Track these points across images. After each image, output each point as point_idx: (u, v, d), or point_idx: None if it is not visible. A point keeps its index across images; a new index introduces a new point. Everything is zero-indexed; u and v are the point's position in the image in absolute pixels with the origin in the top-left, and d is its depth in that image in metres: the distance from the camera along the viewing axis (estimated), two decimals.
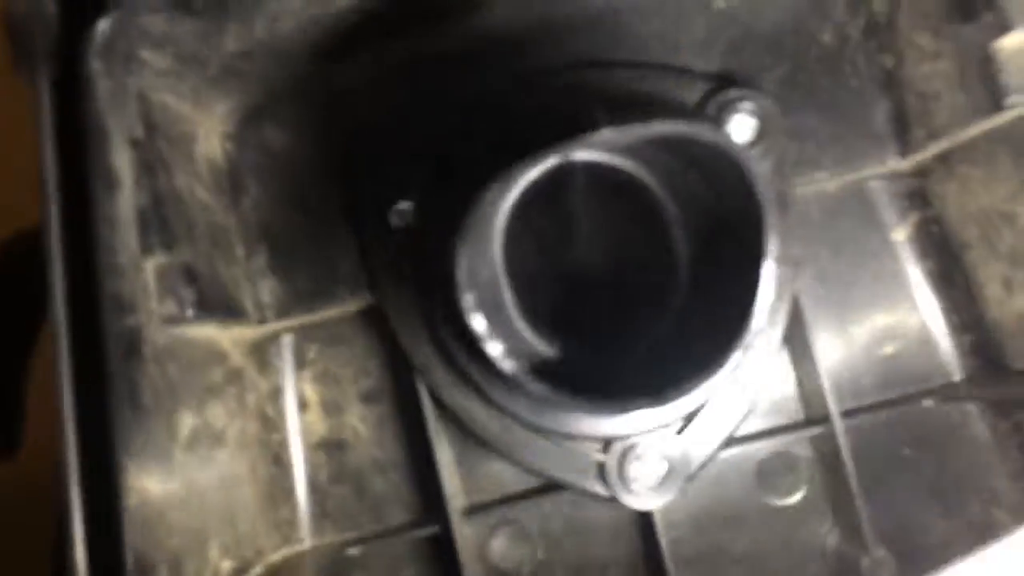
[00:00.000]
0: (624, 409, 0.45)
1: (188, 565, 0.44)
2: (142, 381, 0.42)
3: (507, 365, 0.44)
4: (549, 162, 0.43)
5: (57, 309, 0.40)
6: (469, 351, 0.53)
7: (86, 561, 0.40)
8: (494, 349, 0.45)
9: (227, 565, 0.49)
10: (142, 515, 0.40)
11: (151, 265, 0.44)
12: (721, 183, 0.48)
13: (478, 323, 0.44)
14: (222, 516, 0.49)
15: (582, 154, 0.52)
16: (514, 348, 0.47)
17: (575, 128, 0.44)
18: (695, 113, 0.52)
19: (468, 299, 0.44)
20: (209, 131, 0.56)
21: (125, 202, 0.42)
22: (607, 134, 0.41)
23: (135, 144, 0.44)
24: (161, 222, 0.44)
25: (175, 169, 0.48)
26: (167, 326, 0.45)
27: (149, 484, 0.41)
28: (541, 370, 0.48)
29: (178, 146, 0.50)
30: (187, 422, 0.46)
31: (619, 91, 0.52)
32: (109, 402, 0.39)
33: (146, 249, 0.43)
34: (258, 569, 0.54)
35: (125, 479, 0.39)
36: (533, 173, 0.48)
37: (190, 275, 0.46)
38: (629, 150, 0.52)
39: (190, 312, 0.45)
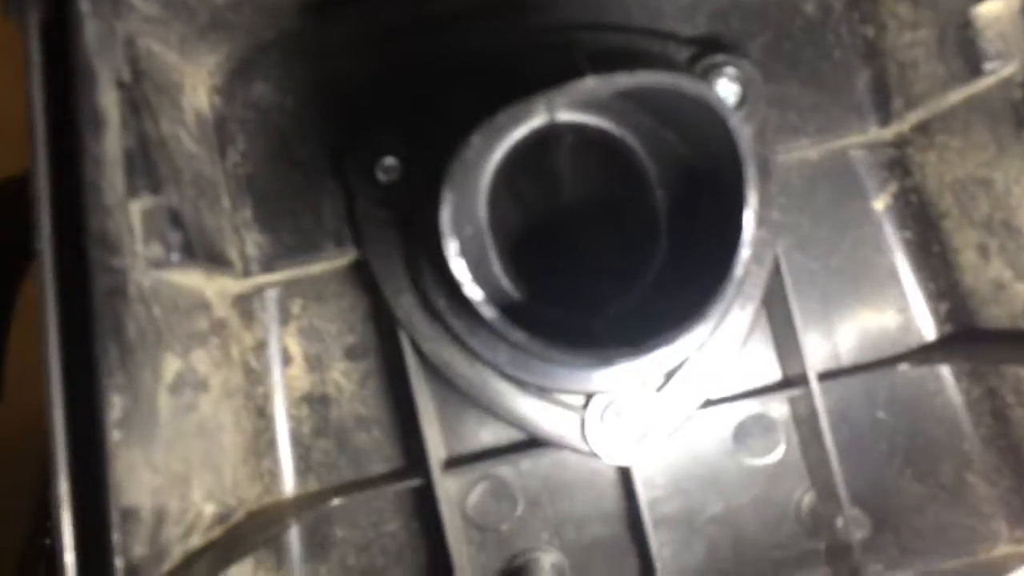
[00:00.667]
0: (605, 359, 0.46)
1: (171, 506, 0.45)
2: (127, 319, 0.42)
3: (488, 311, 0.45)
4: (535, 110, 0.44)
5: (44, 248, 0.40)
6: (452, 302, 0.53)
7: (70, 496, 0.40)
8: (475, 294, 0.45)
9: (210, 509, 0.50)
10: (126, 453, 0.40)
11: (137, 207, 0.44)
12: (703, 139, 0.49)
13: (460, 268, 0.44)
14: (205, 462, 0.50)
15: (566, 115, 0.53)
16: (496, 301, 0.48)
17: (560, 80, 0.45)
18: (680, 68, 0.52)
19: (452, 246, 0.44)
20: (197, 83, 0.56)
21: (112, 142, 0.43)
22: (591, 83, 0.41)
23: (122, 86, 0.44)
24: (148, 164, 0.45)
25: (161, 115, 0.48)
26: (152, 269, 0.45)
27: (134, 422, 0.41)
28: (522, 323, 0.48)
29: (165, 93, 0.50)
30: (172, 366, 0.47)
31: (605, 49, 0.53)
32: (94, 339, 0.39)
33: (132, 190, 0.44)
34: (240, 515, 0.54)
35: (110, 415, 0.39)
36: (520, 128, 0.49)
37: (176, 219, 0.46)
38: (611, 111, 0.53)
39: (175, 256, 0.46)
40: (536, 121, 0.50)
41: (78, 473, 0.41)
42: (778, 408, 0.61)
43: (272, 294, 0.60)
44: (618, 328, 0.53)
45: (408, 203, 0.55)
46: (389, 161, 0.55)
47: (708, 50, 0.56)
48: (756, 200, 0.45)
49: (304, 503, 0.58)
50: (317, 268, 0.59)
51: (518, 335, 0.46)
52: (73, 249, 0.42)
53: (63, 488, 0.40)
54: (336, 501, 0.57)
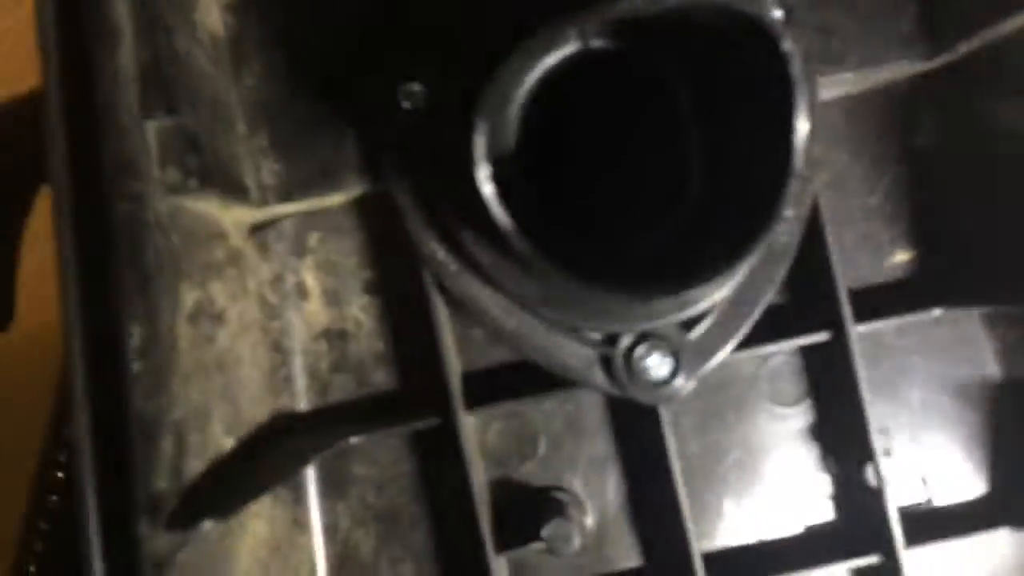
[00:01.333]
0: (642, 294, 0.44)
1: (192, 438, 0.43)
2: (146, 246, 0.40)
3: (519, 241, 0.43)
4: (570, 34, 0.41)
5: (58, 171, 0.38)
6: (479, 234, 0.51)
7: (90, 428, 0.39)
8: (507, 223, 0.43)
9: (229, 443, 0.49)
10: (146, 381, 0.39)
11: (153, 128, 0.42)
12: (747, 65, 0.46)
13: (492, 196, 0.42)
14: (223, 394, 0.48)
15: (599, 42, 0.50)
16: (527, 232, 0.46)
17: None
18: None
19: (483, 171, 0.42)
20: (210, 1, 0.53)
21: (126, 56, 0.40)
22: (639, 2, 0.38)
23: None
24: (163, 82, 0.42)
25: (175, 32, 0.45)
26: (170, 195, 0.43)
27: (153, 351, 0.39)
28: (554, 255, 0.46)
29: (177, 8, 0.47)
30: (190, 295, 0.45)
31: None
32: (112, 266, 0.37)
33: (148, 110, 0.41)
34: (258, 450, 0.53)
35: (129, 344, 0.38)
36: (554, 53, 0.46)
37: (194, 142, 0.44)
38: (648, 36, 0.50)
39: (193, 181, 0.43)
40: (571, 46, 0.48)
41: (98, 404, 0.39)
42: (810, 352, 0.59)
43: (289, 225, 0.58)
44: (653, 262, 0.51)
45: (434, 131, 0.52)
46: (414, 87, 0.53)
47: None
48: (807, 126, 0.43)
49: (322, 440, 0.56)
50: (336, 199, 0.57)
51: (550, 267, 0.43)
52: (87, 173, 0.40)
53: (83, 420, 0.38)
54: (355, 439, 0.55)
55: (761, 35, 0.42)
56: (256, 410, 0.54)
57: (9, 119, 0.51)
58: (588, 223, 0.54)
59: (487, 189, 0.42)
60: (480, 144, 0.41)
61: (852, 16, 0.57)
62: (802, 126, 0.43)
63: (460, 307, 0.55)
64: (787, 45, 0.42)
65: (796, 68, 0.42)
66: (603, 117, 0.55)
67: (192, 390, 0.44)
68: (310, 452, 0.55)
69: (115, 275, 0.38)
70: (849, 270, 0.59)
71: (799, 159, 0.43)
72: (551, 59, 0.49)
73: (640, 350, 0.53)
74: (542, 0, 0.48)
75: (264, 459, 0.51)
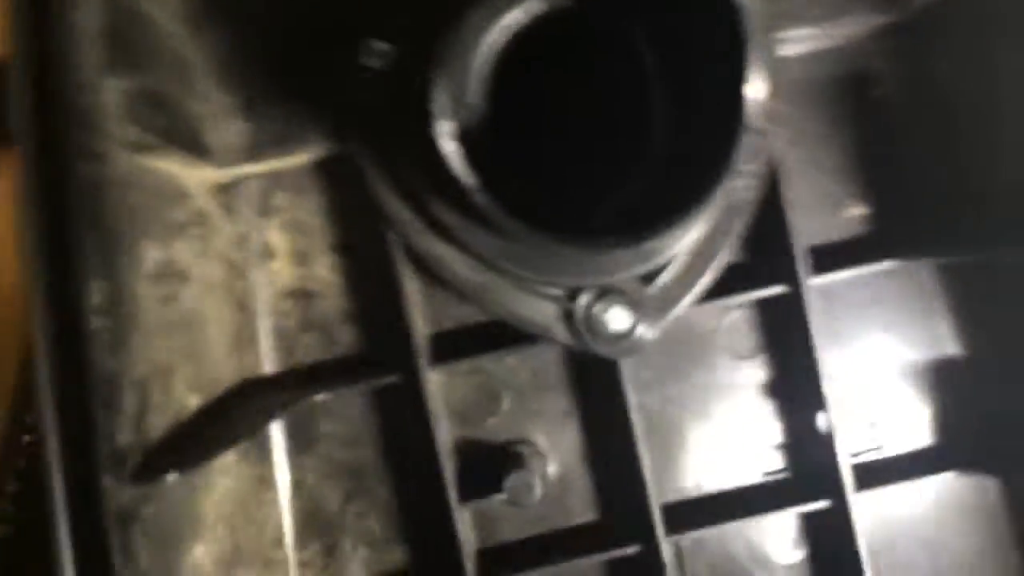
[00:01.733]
0: (600, 246, 0.45)
1: (154, 396, 0.44)
2: (105, 205, 0.40)
3: (481, 198, 0.43)
4: None
5: (22, 130, 0.38)
6: (443, 193, 0.52)
7: (52, 384, 0.39)
8: (468, 179, 0.44)
9: (194, 401, 0.49)
10: (106, 338, 0.39)
11: (114, 86, 0.42)
12: (704, 17, 0.47)
13: (451, 152, 0.43)
14: (187, 353, 0.49)
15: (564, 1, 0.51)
16: (489, 190, 0.46)
17: None
18: None
19: (444, 127, 0.42)
20: None
21: (88, 14, 0.40)
22: None
23: None
24: (125, 42, 0.42)
25: None
26: (130, 152, 0.43)
27: (114, 309, 0.40)
28: (516, 212, 0.47)
29: None
30: (152, 255, 0.45)
31: None
32: (72, 224, 0.38)
33: (110, 68, 0.41)
34: (223, 407, 0.54)
35: (89, 301, 0.38)
36: (517, 10, 0.46)
37: (155, 101, 0.44)
38: None
39: (154, 140, 0.44)
40: (536, 4, 0.48)
41: (61, 363, 0.40)
42: (766, 305, 0.61)
43: (254, 186, 0.58)
44: (616, 218, 0.52)
45: (399, 91, 0.52)
46: (379, 46, 0.53)
47: None
48: (758, 83, 0.44)
49: (288, 397, 0.57)
50: (302, 159, 0.57)
51: (508, 219, 0.44)
52: (50, 132, 0.40)
53: (45, 377, 0.38)
54: (321, 396, 0.56)
55: None
56: (222, 369, 0.54)
57: None
58: (553, 181, 0.54)
59: (447, 145, 0.42)
60: (440, 100, 0.42)
61: None
62: (752, 78, 0.44)
63: (425, 266, 0.56)
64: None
65: (746, 21, 0.42)
66: (569, 76, 0.55)
67: (154, 348, 0.45)
68: (276, 409, 0.55)
69: (75, 233, 0.38)
70: (806, 225, 0.60)
71: (749, 110, 0.44)
72: (515, 17, 0.49)
73: (600, 304, 0.54)
74: None
75: (230, 416, 0.52)
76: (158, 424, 0.45)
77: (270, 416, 0.55)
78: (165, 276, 0.47)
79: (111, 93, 0.42)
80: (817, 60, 0.60)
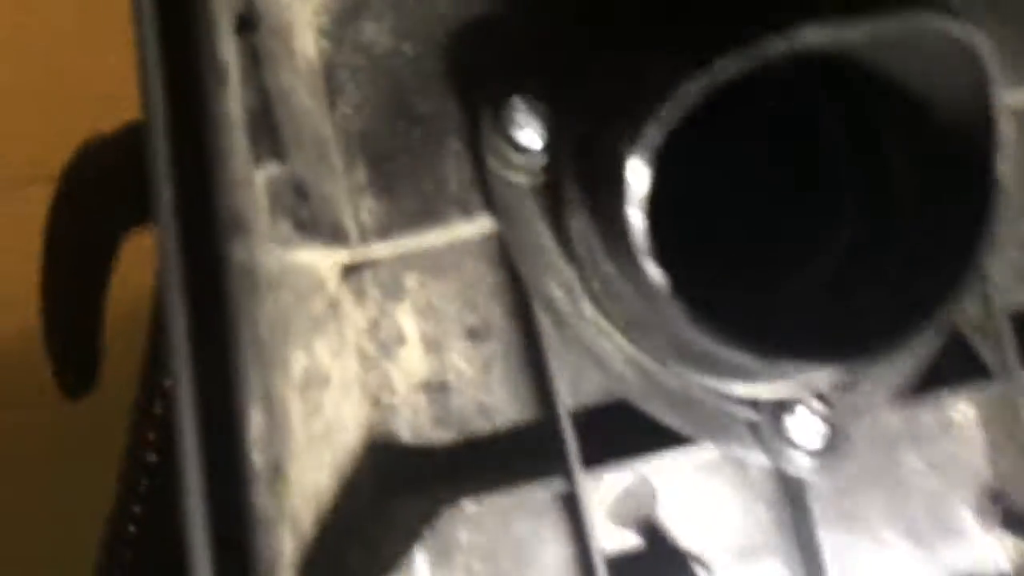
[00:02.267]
0: (814, 364, 0.38)
1: (306, 525, 0.38)
2: (260, 316, 0.35)
3: (680, 312, 0.37)
4: (747, 62, 0.35)
5: (166, 224, 0.33)
6: (610, 284, 0.46)
7: (205, 517, 0.33)
8: (661, 284, 0.38)
9: (336, 524, 0.43)
10: (267, 475, 0.33)
11: (262, 177, 0.36)
12: (927, 90, 0.40)
13: (652, 269, 0.37)
14: (332, 470, 0.43)
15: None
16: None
17: (764, 20, 0.36)
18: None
19: (641, 237, 0.36)
20: (303, 25, 0.48)
21: (233, 99, 0.35)
22: (824, 30, 0.33)
23: (242, 30, 0.36)
24: (271, 126, 0.37)
25: (280, 66, 0.40)
26: (281, 249, 0.38)
27: (272, 437, 0.34)
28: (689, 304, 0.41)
29: (280, 39, 0.42)
30: (299, 362, 0.40)
31: None
32: (229, 341, 0.32)
33: (258, 158, 0.36)
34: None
35: (249, 433, 0.32)
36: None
37: (302, 190, 0.39)
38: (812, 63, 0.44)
39: (303, 234, 0.38)
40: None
41: (212, 489, 0.34)
42: (964, 408, 0.53)
43: (385, 267, 0.53)
44: (798, 309, 0.46)
45: (554, 167, 0.47)
46: (530, 116, 0.47)
47: None
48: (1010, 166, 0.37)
49: (428, 507, 0.51)
50: (438, 238, 0.52)
51: (710, 337, 0.38)
52: (194, 229, 0.34)
53: (197, 521, 0.33)
54: (468, 506, 0.50)
55: (958, 63, 0.36)
56: (358, 476, 0.49)
57: (96, 161, 0.45)
58: (725, 261, 0.48)
59: (646, 263, 0.36)
60: (638, 199, 0.36)
61: (1009, 27, 0.51)
62: (1002, 169, 0.37)
63: (581, 358, 0.50)
64: (994, 72, 0.36)
65: (999, 106, 0.36)
66: (739, 149, 0.49)
67: (304, 472, 0.39)
68: (419, 524, 0.49)
69: (231, 350, 0.33)
70: (1003, 303, 0.53)
71: (996, 208, 0.37)
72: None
73: (789, 413, 0.47)
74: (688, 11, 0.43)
75: (373, 538, 0.46)
76: (313, 557, 0.39)
77: (415, 535, 0.49)
78: (312, 383, 0.41)
79: (259, 186, 0.36)
80: (1020, 122, 0.53)
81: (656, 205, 0.46)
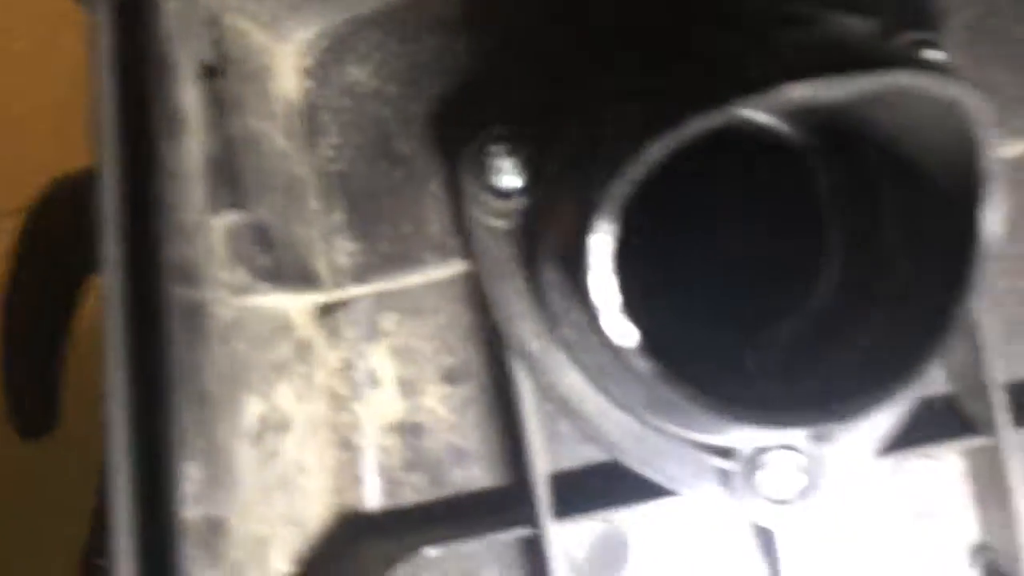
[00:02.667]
0: (792, 423, 0.38)
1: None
2: (206, 366, 0.34)
3: (646, 368, 0.36)
4: (714, 121, 0.34)
5: (111, 275, 0.33)
6: (583, 334, 0.45)
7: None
8: (630, 342, 0.37)
9: (289, 570, 0.43)
10: (201, 529, 0.33)
11: (221, 225, 0.36)
12: (916, 146, 0.39)
13: (611, 311, 0.36)
14: (287, 517, 0.42)
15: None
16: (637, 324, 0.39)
17: (744, 74, 0.35)
18: (900, 57, 0.42)
19: (608, 284, 0.36)
20: (286, 65, 0.48)
21: (193, 148, 0.35)
22: (803, 89, 0.32)
23: (207, 76, 0.36)
24: (233, 173, 0.37)
25: (249, 111, 0.40)
26: (236, 297, 0.37)
27: (211, 492, 0.34)
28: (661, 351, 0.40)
29: (253, 82, 0.42)
30: (253, 410, 0.39)
31: (801, 38, 0.43)
32: (167, 395, 0.32)
33: (216, 206, 0.36)
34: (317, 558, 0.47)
35: (184, 489, 0.32)
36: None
37: (265, 237, 0.38)
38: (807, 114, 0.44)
39: (263, 283, 0.38)
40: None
41: (143, 548, 0.34)
42: (954, 460, 0.52)
43: (363, 308, 0.52)
44: (774, 361, 0.45)
45: (531, 212, 0.46)
46: (509, 162, 0.46)
47: (902, 25, 0.46)
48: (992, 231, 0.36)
49: (394, 551, 0.50)
50: (416, 280, 0.51)
51: (683, 393, 0.37)
52: (143, 277, 0.34)
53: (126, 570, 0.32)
54: (433, 552, 0.49)
55: (948, 120, 0.35)
56: (322, 521, 0.48)
57: (61, 203, 0.46)
58: (700, 310, 0.47)
59: (607, 321, 0.36)
60: (605, 249, 0.35)
61: (1016, 75, 0.50)
62: (990, 228, 0.36)
63: (552, 403, 0.49)
64: (985, 134, 0.35)
65: (990, 165, 0.35)
66: (724, 193, 0.49)
67: (252, 522, 0.38)
68: (382, 568, 0.49)
69: (169, 404, 0.32)
70: (999, 361, 0.52)
71: (981, 268, 0.36)
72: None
73: (764, 464, 0.46)
74: (669, 69, 0.42)
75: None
76: None
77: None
78: (267, 431, 0.41)
79: (216, 234, 0.36)
80: (1015, 172, 0.52)
81: (637, 256, 0.46)
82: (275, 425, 0.42)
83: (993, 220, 0.35)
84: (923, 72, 0.33)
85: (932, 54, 0.44)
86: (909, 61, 0.35)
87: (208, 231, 0.35)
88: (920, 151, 0.38)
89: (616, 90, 0.41)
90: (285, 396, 0.43)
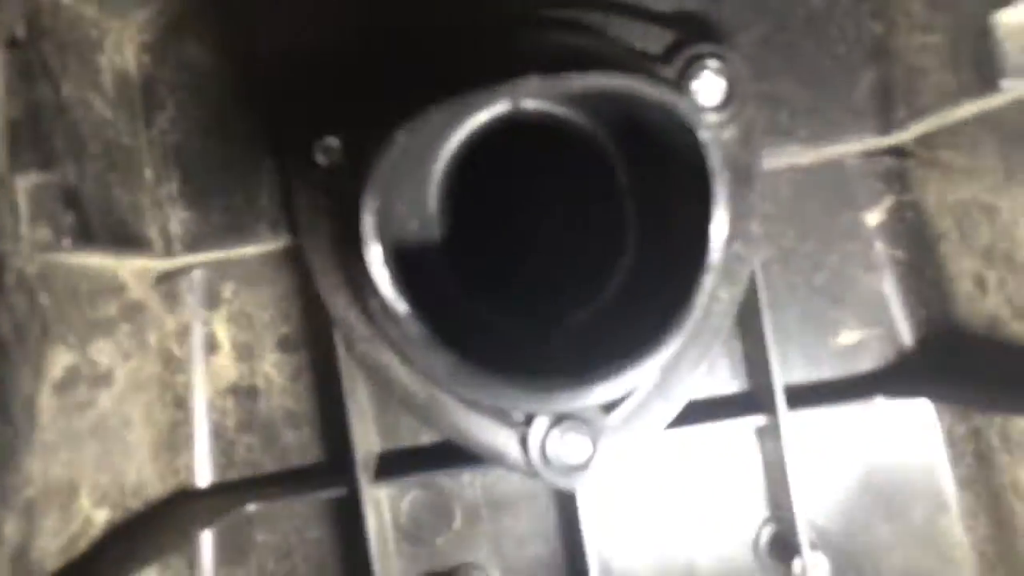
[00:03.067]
0: (543, 390, 0.41)
1: (46, 519, 0.40)
2: (3, 314, 0.37)
3: (414, 329, 0.40)
4: (471, 108, 0.38)
5: None
6: (384, 306, 0.48)
7: None
8: (400, 307, 0.40)
9: (103, 515, 0.46)
10: None
11: (23, 184, 0.39)
12: (673, 145, 0.43)
13: (383, 279, 0.39)
14: (99, 463, 0.45)
15: (532, 103, 0.47)
16: (439, 307, 0.43)
17: (509, 73, 0.39)
18: (647, 68, 0.46)
19: (375, 252, 0.39)
20: (123, 40, 0.50)
21: None
22: (534, 82, 0.36)
23: (12, 45, 0.38)
24: (38, 136, 0.39)
25: (63, 78, 0.43)
26: (40, 253, 0.40)
27: (3, 429, 0.36)
28: (467, 332, 0.44)
29: (73, 52, 0.44)
30: (61, 361, 0.42)
31: (576, 39, 0.47)
32: None
33: (17, 166, 0.38)
34: (139, 507, 0.50)
35: None
36: (478, 116, 0.43)
37: (71, 198, 0.41)
38: (582, 103, 0.47)
39: (67, 240, 0.40)
40: (498, 108, 0.45)
41: None
42: (744, 432, 0.56)
43: (200, 275, 0.55)
44: (576, 342, 0.48)
45: (346, 190, 0.49)
46: (330, 142, 0.49)
47: (692, 38, 0.50)
48: (726, 221, 0.40)
49: (221, 504, 0.53)
50: (250, 251, 0.54)
51: (448, 357, 0.40)
52: None
53: None
54: (253, 506, 0.52)
55: (679, 121, 0.39)
56: (145, 473, 0.51)
57: None
58: (512, 293, 0.51)
59: (379, 274, 0.39)
60: (370, 220, 0.38)
61: (803, 87, 0.54)
62: (720, 219, 0.40)
63: (373, 373, 0.52)
64: (705, 136, 0.39)
65: (714, 158, 0.39)
66: (535, 184, 0.52)
67: (54, 465, 0.41)
68: (206, 520, 0.52)
69: None
70: (790, 349, 0.57)
71: (716, 254, 0.40)
72: (469, 124, 0.46)
73: (557, 432, 0.50)
74: (458, 63, 0.46)
75: (153, 527, 0.48)
76: (51, 548, 0.41)
77: (199, 527, 0.51)
78: (79, 382, 0.43)
79: (19, 193, 0.39)
80: (808, 175, 0.56)
81: (452, 234, 0.49)
82: (90, 378, 0.44)
83: (718, 216, 0.39)
84: (637, 78, 0.37)
85: (714, 65, 0.48)
86: (634, 70, 0.39)
87: (10, 190, 0.38)
88: (675, 152, 0.42)
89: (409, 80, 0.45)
90: (105, 352, 0.46)
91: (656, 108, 0.39)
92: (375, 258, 0.40)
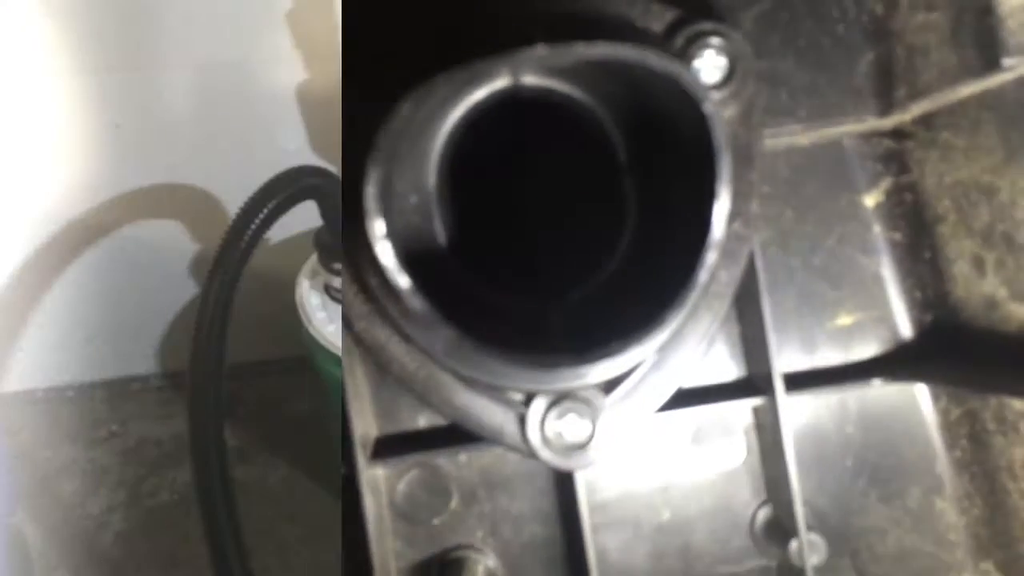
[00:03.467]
0: (543, 365, 0.41)
1: None
2: None
3: (417, 303, 0.39)
4: (477, 78, 0.38)
5: None
6: (385, 281, 0.48)
7: None
8: (403, 282, 0.40)
9: None
10: None
11: None
12: (677, 119, 0.43)
13: (386, 253, 0.39)
14: None
15: (532, 79, 0.47)
16: (437, 283, 0.43)
17: (514, 43, 0.38)
18: (651, 40, 0.46)
19: (377, 226, 0.39)
20: None
21: None
22: (541, 51, 0.35)
23: None
24: None
25: None
26: None
27: None
28: (466, 310, 0.43)
29: None
30: None
31: (577, 12, 0.47)
32: None
33: None
34: None
35: None
36: (469, 92, 0.43)
37: None
38: (583, 78, 0.47)
39: None
40: (498, 83, 0.45)
41: None
42: (741, 414, 0.56)
43: None
44: (575, 320, 0.48)
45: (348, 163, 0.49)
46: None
47: (694, 15, 0.50)
48: (729, 198, 0.40)
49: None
50: None
51: (448, 332, 0.40)
52: None
53: None
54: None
55: (684, 94, 0.39)
56: None
57: None
58: (511, 270, 0.51)
59: (381, 249, 0.39)
60: (373, 194, 0.38)
61: (803, 66, 0.54)
62: (724, 196, 0.40)
63: (371, 351, 0.52)
64: (710, 108, 0.39)
65: (719, 132, 0.38)
66: (534, 161, 0.52)
67: None
68: None
69: None
70: (788, 331, 0.57)
71: (719, 231, 0.40)
72: (474, 96, 0.46)
73: (556, 412, 0.50)
74: (460, 37, 0.45)
75: None
76: None
77: None
78: None
79: None
80: (807, 156, 0.56)
81: (451, 211, 0.49)
82: None
83: (723, 190, 0.39)
84: (643, 48, 0.37)
85: (716, 43, 0.47)
86: (640, 43, 0.39)
87: None
88: (678, 127, 0.42)
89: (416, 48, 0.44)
90: None
91: (660, 80, 0.39)
92: (378, 231, 0.39)
